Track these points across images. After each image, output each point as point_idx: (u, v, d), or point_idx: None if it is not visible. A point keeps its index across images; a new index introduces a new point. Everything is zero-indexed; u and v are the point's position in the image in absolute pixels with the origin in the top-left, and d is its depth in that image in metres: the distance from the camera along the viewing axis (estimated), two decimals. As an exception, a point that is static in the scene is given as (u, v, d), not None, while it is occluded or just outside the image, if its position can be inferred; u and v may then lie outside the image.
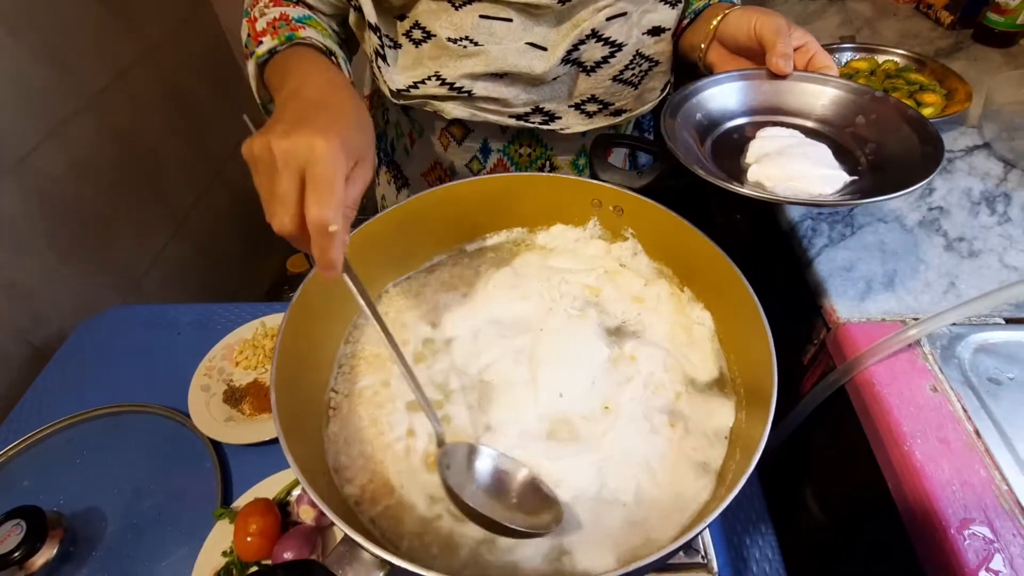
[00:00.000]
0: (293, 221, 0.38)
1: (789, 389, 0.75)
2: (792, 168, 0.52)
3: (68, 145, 1.19)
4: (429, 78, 0.62)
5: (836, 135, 0.58)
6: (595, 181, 0.58)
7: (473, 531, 0.41)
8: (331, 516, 0.33)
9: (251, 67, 0.59)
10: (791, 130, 0.58)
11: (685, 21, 0.68)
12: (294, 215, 0.38)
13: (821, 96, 0.60)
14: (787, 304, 0.77)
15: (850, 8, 1.19)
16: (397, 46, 0.63)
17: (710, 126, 0.60)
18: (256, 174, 0.40)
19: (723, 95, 0.60)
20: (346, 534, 0.33)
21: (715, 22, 0.62)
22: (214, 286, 1.62)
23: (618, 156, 0.81)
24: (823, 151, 0.55)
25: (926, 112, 0.84)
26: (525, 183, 0.59)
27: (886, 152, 0.54)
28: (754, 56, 0.61)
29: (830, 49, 0.99)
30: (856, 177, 0.53)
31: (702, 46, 0.64)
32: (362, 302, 0.43)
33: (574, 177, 0.59)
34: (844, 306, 0.63)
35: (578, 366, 0.51)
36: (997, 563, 0.44)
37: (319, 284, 0.52)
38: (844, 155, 0.56)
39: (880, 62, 0.96)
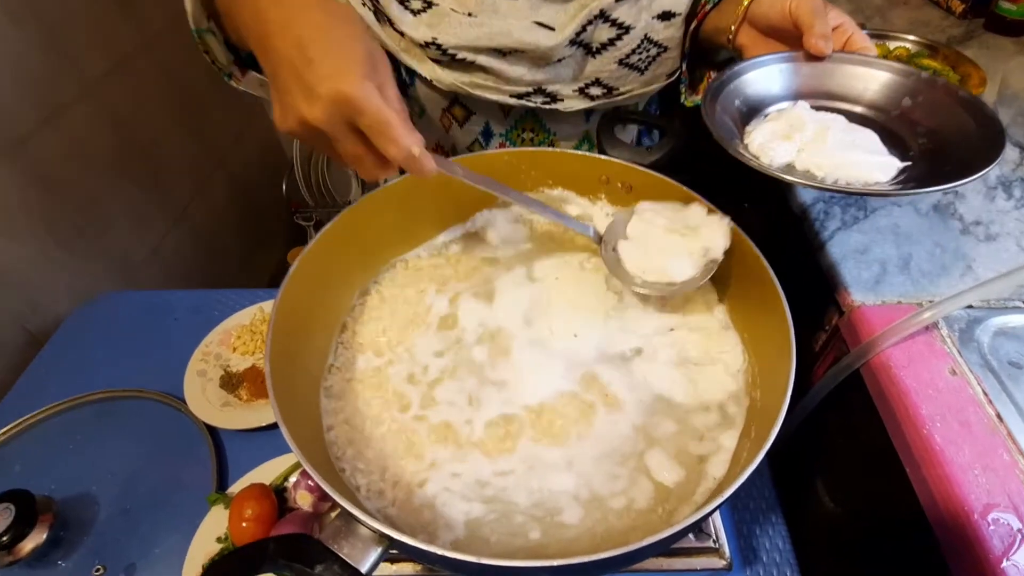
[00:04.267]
0: (380, 166, 0.39)
1: (800, 377, 0.74)
2: (842, 156, 0.50)
3: (66, 132, 1.17)
4: (428, 44, 0.60)
5: (883, 119, 0.56)
6: (603, 156, 0.56)
7: (477, 509, 0.40)
8: (322, 483, 0.32)
9: None
10: (834, 114, 0.56)
11: (708, 6, 0.65)
12: (376, 161, 0.39)
13: (865, 78, 0.57)
14: (797, 292, 0.75)
15: (860, -3, 1.17)
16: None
17: (749, 113, 0.58)
18: (310, 143, 0.40)
19: (762, 79, 0.58)
20: (342, 507, 0.31)
21: (746, 2, 0.60)
22: (214, 277, 1.60)
23: (626, 136, 0.79)
24: (869, 136, 0.52)
25: (940, 97, 0.82)
26: (531, 158, 0.58)
27: (941, 136, 0.52)
28: (787, 38, 0.58)
29: (840, 35, 0.97)
30: (909, 163, 0.51)
31: (732, 27, 0.62)
32: (465, 177, 0.46)
33: (581, 152, 0.57)
34: (858, 289, 0.61)
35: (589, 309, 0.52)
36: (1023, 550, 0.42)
37: (315, 262, 0.51)
38: (894, 140, 0.53)
39: (892, 48, 0.94)
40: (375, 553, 0.31)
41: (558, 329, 0.52)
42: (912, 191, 0.47)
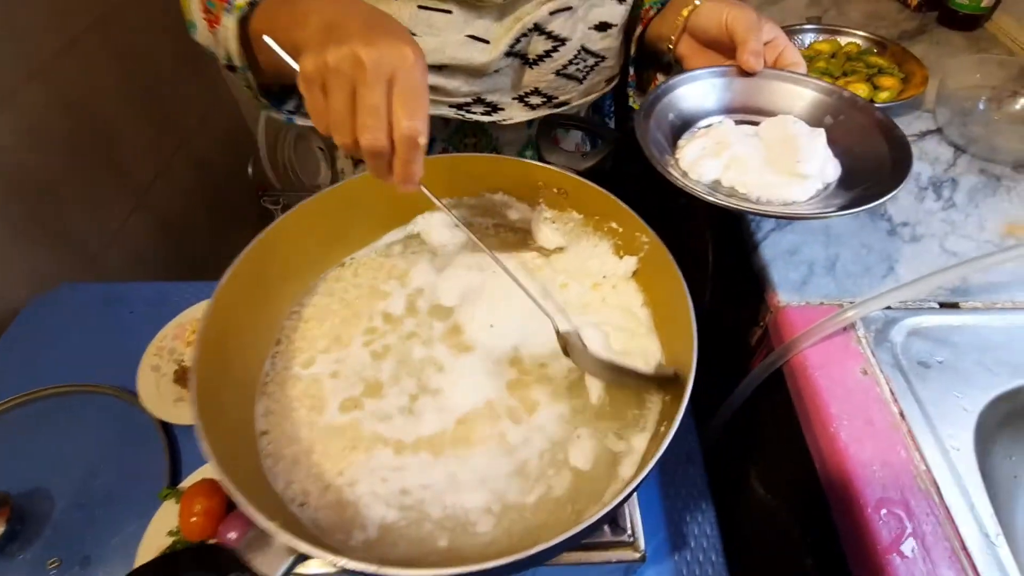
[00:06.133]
0: (387, 133, 0.37)
1: (737, 370, 0.77)
2: (763, 175, 0.51)
3: (16, 115, 1.15)
4: None
5: None
6: (538, 163, 0.58)
7: (392, 515, 0.42)
8: (233, 493, 0.33)
9: (230, 23, 0.50)
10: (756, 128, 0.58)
11: (652, 12, 0.66)
12: (387, 127, 0.37)
13: (791, 96, 0.59)
14: (740, 287, 0.78)
15: (819, -13, 1.18)
16: None
17: (683, 126, 0.59)
18: (328, 90, 0.38)
19: (695, 93, 0.60)
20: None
21: (686, 12, 0.61)
22: (178, 265, 1.59)
23: (576, 137, 0.80)
24: (803, 145, 0.54)
25: (882, 96, 0.84)
26: (470, 163, 0.59)
27: (857, 156, 0.55)
28: (725, 50, 0.60)
29: (793, 30, 0.98)
30: (830, 182, 0.53)
31: (672, 37, 0.63)
32: (443, 207, 0.46)
33: (517, 158, 0.58)
34: (785, 290, 0.64)
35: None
36: (909, 542, 0.46)
37: (254, 263, 0.52)
38: None
39: (843, 44, 0.96)
40: (286, 563, 0.33)
41: (491, 320, 0.54)
42: (818, 215, 0.50)
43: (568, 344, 0.49)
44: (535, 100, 0.66)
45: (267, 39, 0.43)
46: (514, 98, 0.65)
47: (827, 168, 0.55)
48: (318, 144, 1.78)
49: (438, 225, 0.62)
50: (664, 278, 0.50)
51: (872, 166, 0.52)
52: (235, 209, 1.81)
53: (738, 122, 0.59)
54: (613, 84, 0.70)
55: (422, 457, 0.45)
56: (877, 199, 0.48)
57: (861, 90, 0.84)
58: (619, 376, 0.49)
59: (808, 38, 0.98)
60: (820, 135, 0.56)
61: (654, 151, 0.50)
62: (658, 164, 0.49)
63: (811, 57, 0.91)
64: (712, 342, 0.96)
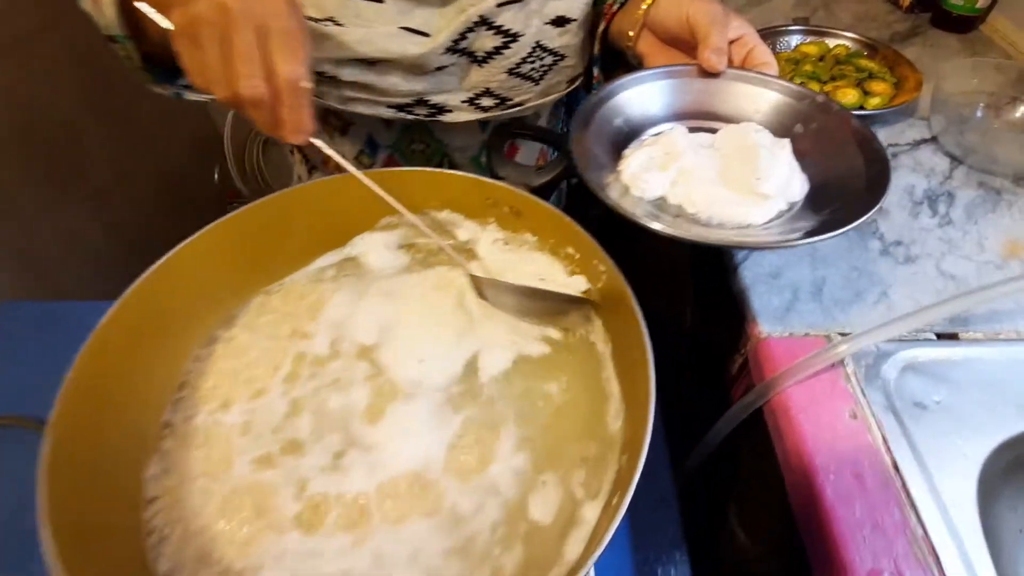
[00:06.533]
0: (265, 80, 0.36)
1: (717, 400, 0.71)
2: (717, 191, 0.45)
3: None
4: None
5: None
6: (487, 179, 0.51)
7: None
8: None
9: None
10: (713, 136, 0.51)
11: (615, 6, 0.60)
12: (264, 74, 0.36)
13: (757, 99, 0.53)
14: (719, 310, 0.71)
15: (807, -14, 1.12)
16: None
17: (631, 134, 0.52)
18: (199, 42, 0.36)
19: (647, 96, 0.53)
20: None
21: (645, 6, 0.55)
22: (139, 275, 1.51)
23: (537, 148, 0.73)
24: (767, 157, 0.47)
25: (873, 102, 0.78)
26: (409, 178, 0.52)
27: (828, 170, 0.48)
28: (688, 48, 0.54)
29: (779, 32, 0.92)
30: (796, 201, 0.46)
31: (630, 33, 0.57)
32: (340, 160, 0.43)
33: (463, 173, 0.51)
34: (767, 318, 0.57)
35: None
36: (904, 620, 0.40)
37: (155, 291, 0.45)
38: None
39: (831, 47, 0.90)
40: None
41: (419, 355, 0.47)
42: (773, 244, 0.43)
43: (480, 284, 0.47)
44: (486, 102, 0.59)
45: (137, 2, 0.40)
46: (463, 100, 0.58)
47: (792, 185, 0.48)
48: (289, 148, 1.71)
49: (378, 246, 0.55)
50: (622, 319, 0.43)
51: (845, 183, 0.45)
52: (201, 218, 1.70)
53: (693, 129, 0.52)
54: (575, 85, 0.63)
55: (341, 539, 0.38)
56: (846, 224, 0.41)
57: (851, 95, 0.78)
58: (537, 302, 0.46)
59: (794, 40, 0.92)
60: (784, 147, 0.49)
61: (588, 163, 0.44)
62: (589, 179, 0.42)
63: (797, 60, 0.85)
64: (692, 367, 0.90)
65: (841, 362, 0.53)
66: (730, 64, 0.53)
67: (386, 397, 0.45)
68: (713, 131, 0.51)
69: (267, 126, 0.39)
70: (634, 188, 0.44)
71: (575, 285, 0.48)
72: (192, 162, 1.66)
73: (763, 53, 0.51)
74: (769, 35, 0.91)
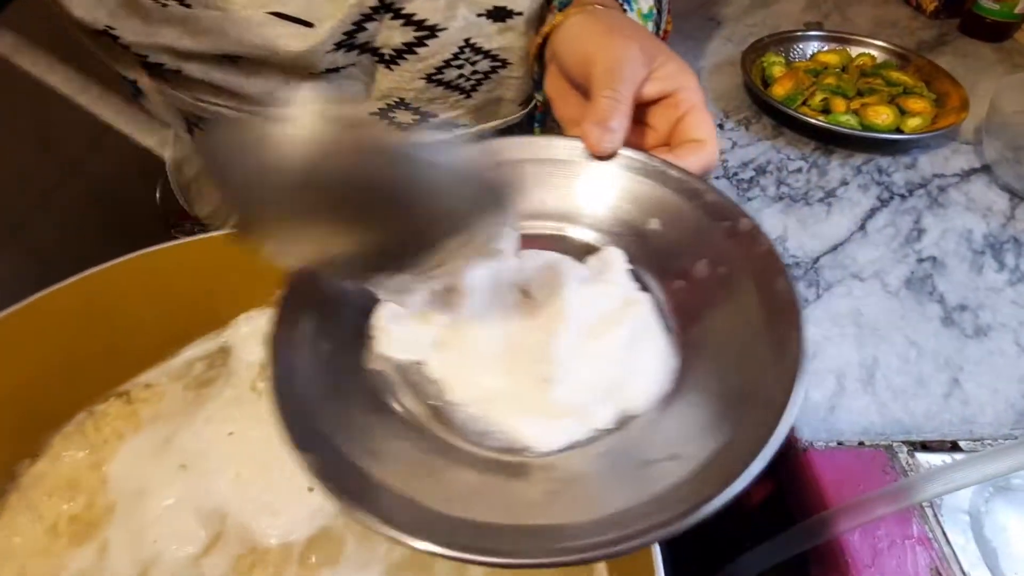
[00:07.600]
0: None
1: (735, 505, 0.56)
2: (496, 379, 0.25)
3: None
4: (102, 32, 0.39)
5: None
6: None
7: None
8: None
9: None
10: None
11: (555, 7, 0.44)
12: None
13: (646, 211, 0.30)
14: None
15: (816, -12, 0.99)
16: None
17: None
18: None
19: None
20: None
21: (547, 29, 0.39)
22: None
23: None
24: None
25: (913, 123, 0.65)
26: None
27: (726, 355, 0.25)
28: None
29: (792, 38, 0.79)
30: (634, 413, 0.25)
31: (534, 68, 0.43)
32: None
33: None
34: (807, 420, 0.43)
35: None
36: None
37: None
38: None
39: (853, 56, 0.76)
40: None
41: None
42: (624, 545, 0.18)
43: None
44: (403, 117, 0.44)
45: None
46: (372, 113, 0.43)
47: (629, 388, 0.25)
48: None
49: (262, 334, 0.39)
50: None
51: (741, 361, 0.24)
52: (142, 244, 1.56)
53: (533, 241, 0.30)
54: (531, 107, 0.48)
55: None
56: (727, 483, 0.20)
57: (885, 115, 0.65)
58: None
59: (810, 48, 0.78)
60: (636, 314, 0.27)
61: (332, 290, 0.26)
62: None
63: (817, 71, 0.71)
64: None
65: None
66: (641, 140, 0.34)
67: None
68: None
69: None
70: (383, 343, 0.25)
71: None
72: (128, 183, 1.48)
73: (699, 123, 0.32)
74: (781, 41, 0.77)
